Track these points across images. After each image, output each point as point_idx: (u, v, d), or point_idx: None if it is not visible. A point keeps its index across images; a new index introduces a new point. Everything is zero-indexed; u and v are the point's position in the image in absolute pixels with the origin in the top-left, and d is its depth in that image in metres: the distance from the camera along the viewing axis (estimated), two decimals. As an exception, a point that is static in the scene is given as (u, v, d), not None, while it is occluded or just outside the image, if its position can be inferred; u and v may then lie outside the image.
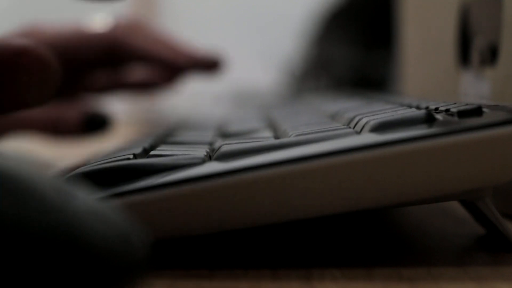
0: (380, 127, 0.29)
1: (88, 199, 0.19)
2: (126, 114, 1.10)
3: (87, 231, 0.18)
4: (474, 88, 0.41)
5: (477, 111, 0.28)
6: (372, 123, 0.29)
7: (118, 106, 1.22)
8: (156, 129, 0.51)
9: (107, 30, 0.53)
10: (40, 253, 0.18)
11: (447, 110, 0.30)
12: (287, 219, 0.27)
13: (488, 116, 0.28)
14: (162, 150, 0.32)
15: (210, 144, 0.35)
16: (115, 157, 0.31)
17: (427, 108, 0.33)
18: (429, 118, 0.29)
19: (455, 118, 0.28)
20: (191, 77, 0.55)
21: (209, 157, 0.30)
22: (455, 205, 0.39)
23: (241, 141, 0.32)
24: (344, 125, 0.33)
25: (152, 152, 0.31)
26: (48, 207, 0.18)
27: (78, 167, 0.32)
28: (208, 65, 0.53)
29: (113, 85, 0.59)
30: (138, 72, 0.59)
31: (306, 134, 0.30)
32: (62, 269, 0.18)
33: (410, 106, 0.35)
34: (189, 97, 1.43)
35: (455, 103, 0.32)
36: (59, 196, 0.19)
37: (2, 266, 0.17)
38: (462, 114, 0.29)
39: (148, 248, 0.20)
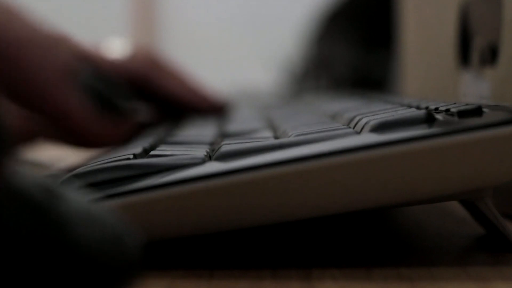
0: (380, 127, 0.29)
1: (79, 200, 0.19)
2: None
3: (75, 233, 0.18)
4: (474, 88, 0.41)
5: (477, 111, 0.28)
6: (372, 123, 0.29)
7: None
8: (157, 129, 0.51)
9: (134, 62, 0.52)
10: (27, 257, 0.18)
11: (447, 110, 0.30)
12: (287, 219, 0.27)
13: (488, 116, 0.28)
14: (162, 150, 0.32)
15: (210, 144, 0.35)
16: (115, 157, 0.31)
17: (427, 108, 0.33)
18: (429, 118, 0.29)
19: (455, 118, 0.28)
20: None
21: (209, 157, 0.30)
22: (455, 205, 0.39)
23: (241, 141, 0.32)
24: (344, 125, 0.33)
25: (152, 152, 0.31)
26: (34, 210, 0.18)
27: (78, 167, 0.32)
28: (217, 109, 0.54)
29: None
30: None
31: (306, 134, 0.30)
32: (51, 272, 0.18)
33: (410, 106, 0.35)
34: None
35: (455, 103, 0.32)
36: (47, 198, 0.19)
37: None
38: (462, 114, 0.29)
39: (140, 249, 0.20)
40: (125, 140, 0.22)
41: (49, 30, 0.24)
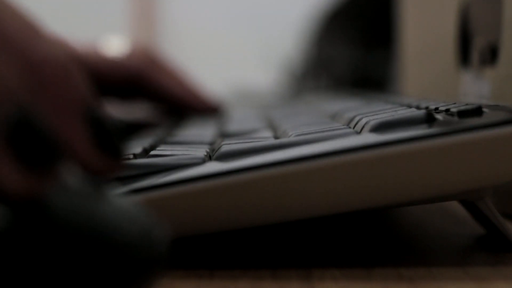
0: (380, 127, 0.29)
1: (115, 196, 0.21)
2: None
3: (116, 227, 0.20)
4: (474, 88, 0.41)
5: (477, 111, 0.28)
6: (372, 123, 0.29)
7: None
8: (156, 128, 0.51)
9: (131, 60, 0.52)
10: (77, 247, 0.19)
11: (447, 110, 0.30)
12: (287, 219, 0.27)
13: (488, 116, 0.28)
14: (162, 150, 0.32)
15: (210, 144, 0.35)
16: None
17: (427, 108, 0.33)
18: (429, 118, 0.29)
19: (455, 118, 0.28)
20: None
21: (209, 157, 0.30)
22: (455, 205, 0.39)
23: (241, 141, 0.32)
24: (344, 125, 0.33)
25: (152, 152, 0.31)
26: (82, 206, 0.20)
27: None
28: (212, 110, 0.54)
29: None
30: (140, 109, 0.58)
31: (306, 134, 0.30)
32: (94, 262, 0.19)
33: (410, 106, 0.35)
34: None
35: (455, 103, 0.32)
36: (89, 196, 0.20)
37: (35, 255, 0.19)
38: (462, 114, 0.29)
39: (168, 243, 0.21)
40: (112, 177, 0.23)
41: (64, 50, 0.24)
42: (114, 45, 0.52)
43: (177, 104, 0.53)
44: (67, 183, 0.20)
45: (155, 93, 0.53)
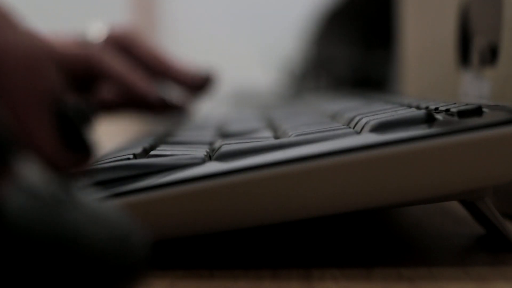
0: (380, 127, 0.29)
1: (86, 200, 0.19)
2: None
3: (85, 233, 0.18)
4: (474, 88, 0.41)
5: (477, 111, 0.29)
6: (372, 123, 0.29)
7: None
8: (157, 128, 0.51)
9: (82, 50, 0.53)
10: (37, 257, 0.18)
11: (447, 110, 0.30)
12: (287, 219, 0.27)
13: (488, 116, 0.28)
14: (162, 150, 0.32)
15: (210, 144, 0.35)
16: (115, 157, 0.31)
17: (427, 108, 0.33)
18: (429, 118, 0.29)
19: (455, 118, 0.28)
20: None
21: (209, 157, 0.30)
22: (455, 205, 0.39)
23: (241, 141, 0.32)
24: (344, 125, 0.33)
25: (152, 152, 0.31)
26: (43, 211, 0.18)
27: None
28: (200, 82, 0.55)
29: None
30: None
31: (306, 134, 0.30)
32: (59, 272, 0.18)
33: (410, 106, 0.35)
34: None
35: (455, 103, 0.32)
36: (55, 199, 0.19)
37: (2, 268, 0.18)
38: (462, 114, 0.29)
39: (147, 248, 0.20)
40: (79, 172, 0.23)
41: (36, 41, 0.23)
42: (96, 29, 0.55)
43: (160, 70, 0.54)
44: (29, 186, 0.19)
45: (140, 56, 0.54)
